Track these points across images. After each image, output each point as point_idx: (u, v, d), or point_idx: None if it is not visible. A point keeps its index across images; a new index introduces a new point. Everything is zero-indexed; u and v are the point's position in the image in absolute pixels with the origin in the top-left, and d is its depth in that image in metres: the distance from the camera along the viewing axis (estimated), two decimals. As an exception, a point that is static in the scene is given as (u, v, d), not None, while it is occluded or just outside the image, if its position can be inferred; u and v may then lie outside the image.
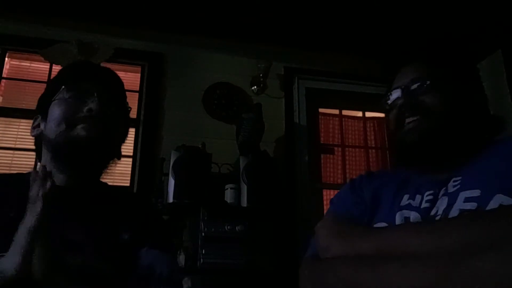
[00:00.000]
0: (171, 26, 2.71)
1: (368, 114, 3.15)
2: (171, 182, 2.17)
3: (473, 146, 0.77)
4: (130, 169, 2.49)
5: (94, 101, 0.84)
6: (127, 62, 2.69)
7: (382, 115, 3.13)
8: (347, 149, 3.04)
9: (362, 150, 3.08)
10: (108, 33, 2.61)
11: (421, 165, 0.81)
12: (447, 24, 2.56)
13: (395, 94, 0.85)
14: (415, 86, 0.82)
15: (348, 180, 0.96)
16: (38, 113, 0.91)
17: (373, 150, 3.11)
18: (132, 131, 2.57)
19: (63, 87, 0.86)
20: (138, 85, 2.68)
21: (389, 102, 0.87)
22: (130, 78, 2.73)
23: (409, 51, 0.91)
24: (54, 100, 0.86)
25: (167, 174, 2.22)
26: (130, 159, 2.52)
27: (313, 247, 0.85)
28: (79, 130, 0.82)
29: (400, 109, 0.82)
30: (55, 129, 0.83)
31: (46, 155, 0.87)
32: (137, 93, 2.65)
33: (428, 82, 0.80)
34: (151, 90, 2.64)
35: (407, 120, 0.81)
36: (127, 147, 2.57)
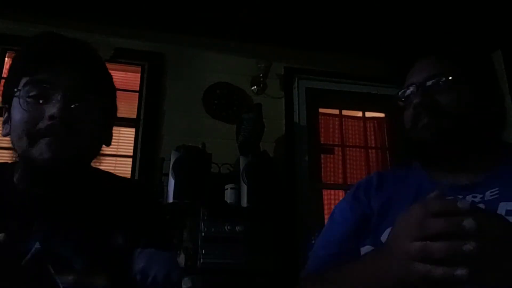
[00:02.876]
0: (171, 26, 2.71)
1: (368, 114, 3.15)
2: (171, 182, 2.17)
3: (490, 149, 0.77)
4: (130, 169, 2.49)
5: (58, 103, 0.67)
6: (127, 62, 2.69)
7: (382, 115, 3.14)
8: (347, 149, 3.04)
9: (362, 150, 3.08)
10: (108, 33, 2.61)
11: (438, 165, 0.80)
12: (447, 24, 2.55)
13: (410, 90, 0.82)
14: (430, 83, 0.79)
15: (352, 187, 0.93)
16: (5, 103, 0.74)
17: (373, 150, 3.11)
18: (132, 131, 2.58)
19: (23, 78, 0.70)
20: (138, 85, 2.68)
21: (403, 99, 0.84)
22: (130, 78, 2.73)
23: (419, 47, 0.88)
24: (15, 95, 0.70)
25: (167, 174, 2.22)
26: (130, 159, 2.52)
27: (310, 264, 0.84)
28: (43, 148, 0.66)
29: (415, 108, 0.79)
30: (17, 143, 0.69)
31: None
32: (137, 93, 2.64)
33: (444, 79, 0.78)
34: (151, 90, 2.64)
35: (423, 120, 0.78)
36: (127, 147, 2.57)
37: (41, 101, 0.68)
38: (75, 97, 0.69)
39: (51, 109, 0.67)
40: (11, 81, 0.72)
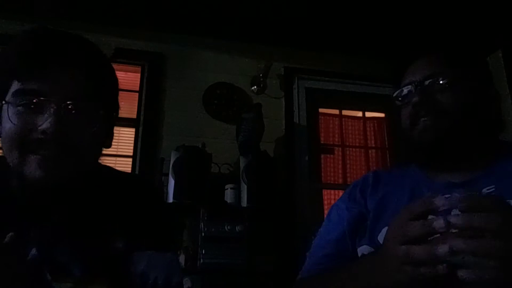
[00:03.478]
0: (171, 26, 2.70)
1: (368, 114, 3.15)
2: (171, 182, 2.17)
3: (487, 147, 0.77)
4: (130, 169, 2.49)
5: (51, 116, 0.60)
6: (127, 62, 2.68)
7: (382, 115, 3.14)
8: (347, 149, 3.04)
9: (362, 150, 3.08)
10: (108, 33, 2.61)
11: (436, 164, 0.80)
12: (447, 24, 2.55)
13: (408, 89, 0.81)
14: (429, 82, 0.78)
15: (349, 185, 0.93)
16: None
17: (373, 150, 3.11)
18: (132, 131, 2.58)
19: (14, 83, 0.63)
20: (138, 85, 2.68)
21: (400, 98, 0.83)
22: (130, 78, 2.73)
23: (417, 46, 0.88)
24: (5, 101, 0.63)
25: (167, 174, 2.22)
26: (130, 159, 2.52)
27: (307, 264, 0.85)
28: (33, 167, 0.61)
29: (414, 107, 0.79)
30: (7, 154, 0.64)
31: None
32: (137, 93, 2.64)
33: (442, 79, 0.78)
34: (151, 90, 2.63)
35: (422, 119, 0.78)
36: (127, 147, 2.57)
37: (32, 110, 0.62)
38: (71, 105, 0.63)
39: (44, 122, 0.60)
40: (1, 83, 0.65)
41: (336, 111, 3.09)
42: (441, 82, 0.78)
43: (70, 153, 0.63)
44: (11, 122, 0.62)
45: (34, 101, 0.62)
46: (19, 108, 0.62)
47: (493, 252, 0.48)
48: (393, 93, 0.85)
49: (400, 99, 0.84)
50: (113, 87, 0.75)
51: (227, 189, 2.29)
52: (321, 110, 3.01)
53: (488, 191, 0.71)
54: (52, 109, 0.61)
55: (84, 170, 0.68)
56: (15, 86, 0.63)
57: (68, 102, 0.62)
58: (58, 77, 0.63)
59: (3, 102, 0.63)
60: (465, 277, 0.48)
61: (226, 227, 2.10)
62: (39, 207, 0.67)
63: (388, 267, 0.56)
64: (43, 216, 0.66)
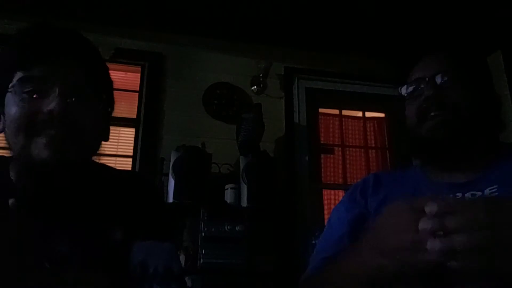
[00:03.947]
0: (171, 26, 2.71)
1: (368, 114, 3.15)
2: (171, 182, 2.17)
3: (488, 148, 0.77)
4: (130, 169, 2.49)
5: (56, 98, 0.64)
6: (127, 62, 2.68)
7: (382, 115, 3.14)
8: (347, 149, 3.04)
9: (362, 150, 3.08)
10: (108, 33, 2.61)
11: (437, 163, 0.80)
12: (447, 24, 2.55)
13: (418, 84, 0.81)
14: (441, 78, 0.78)
15: (349, 187, 0.93)
16: None
17: (373, 150, 3.11)
18: (132, 131, 2.58)
19: (17, 73, 0.66)
20: (138, 85, 2.68)
21: (408, 94, 0.83)
22: (130, 78, 2.73)
23: (422, 45, 0.87)
24: (9, 90, 0.66)
25: (167, 174, 2.22)
26: (130, 159, 2.52)
27: (310, 268, 0.85)
28: (40, 147, 0.63)
29: (426, 101, 0.78)
30: (13, 140, 0.66)
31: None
32: (137, 93, 2.64)
33: (451, 77, 0.78)
34: (151, 90, 2.63)
35: (432, 114, 0.77)
36: (127, 147, 2.57)
37: (37, 96, 0.65)
38: (73, 91, 0.66)
39: (49, 104, 0.64)
40: (2, 76, 0.68)
41: (336, 111, 3.09)
42: (451, 79, 0.78)
43: (75, 136, 0.66)
44: (17, 107, 0.65)
45: (38, 87, 0.65)
46: (24, 95, 0.65)
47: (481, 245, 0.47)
48: (399, 89, 0.84)
49: (407, 94, 0.83)
50: (109, 83, 0.78)
51: (227, 189, 2.29)
52: (321, 110, 3.02)
53: (490, 191, 0.71)
54: (56, 92, 0.64)
55: (87, 158, 0.72)
56: (19, 75, 0.66)
57: (71, 87, 0.66)
58: (60, 67, 0.67)
59: (8, 89, 0.66)
60: (453, 266, 0.47)
61: (226, 227, 2.10)
62: (40, 198, 0.68)
63: (383, 256, 0.55)
64: (43, 207, 0.66)
